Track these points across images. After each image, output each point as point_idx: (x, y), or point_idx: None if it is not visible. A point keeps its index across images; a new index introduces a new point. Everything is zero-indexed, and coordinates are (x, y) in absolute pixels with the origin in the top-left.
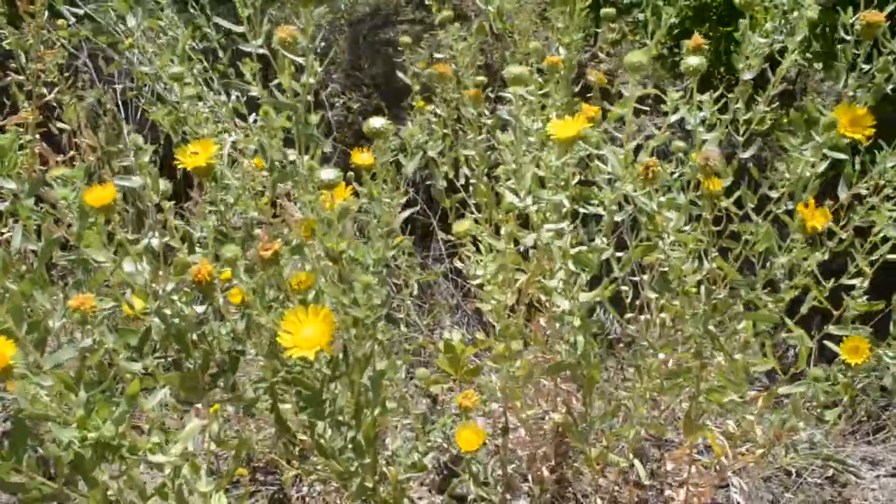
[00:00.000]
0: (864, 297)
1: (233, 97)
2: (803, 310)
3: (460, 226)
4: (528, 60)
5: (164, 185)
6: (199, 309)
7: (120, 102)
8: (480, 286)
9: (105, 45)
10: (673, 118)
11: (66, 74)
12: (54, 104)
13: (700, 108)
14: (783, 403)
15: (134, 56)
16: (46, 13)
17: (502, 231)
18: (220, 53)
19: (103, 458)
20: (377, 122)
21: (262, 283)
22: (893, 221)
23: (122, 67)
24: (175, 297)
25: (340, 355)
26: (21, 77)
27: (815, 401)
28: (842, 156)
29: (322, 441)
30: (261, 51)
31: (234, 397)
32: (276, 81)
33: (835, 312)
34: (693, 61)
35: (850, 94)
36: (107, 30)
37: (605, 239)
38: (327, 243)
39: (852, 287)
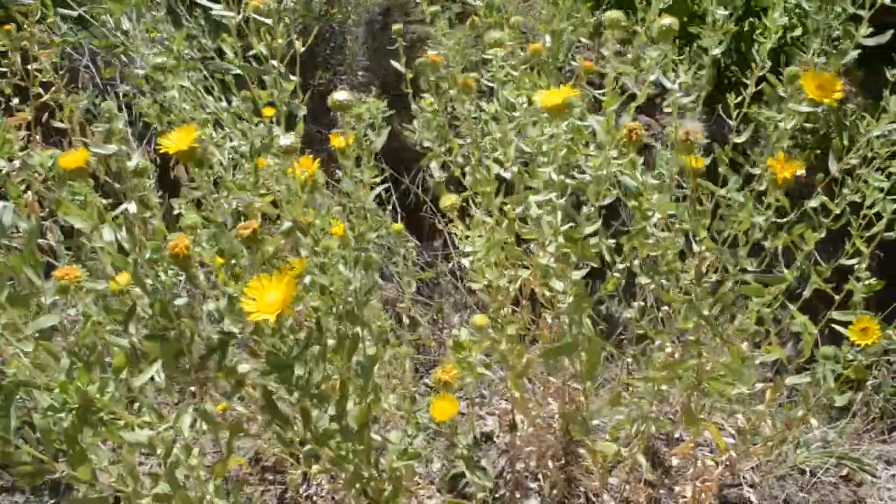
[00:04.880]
0: (872, 279)
1: (234, 102)
2: (806, 294)
3: (447, 199)
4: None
5: (143, 161)
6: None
7: (124, 105)
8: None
9: (99, 48)
10: (651, 77)
11: (62, 73)
12: (51, 104)
13: (675, 71)
14: (793, 397)
15: (136, 59)
16: (39, 13)
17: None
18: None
19: (85, 422)
20: (341, 95)
21: (230, 253)
22: (882, 192)
23: (117, 72)
24: (154, 266)
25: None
26: (8, 74)
27: (825, 385)
28: (808, 108)
29: (301, 414)
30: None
31: (225, 373)
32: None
33: (836, 297)
34: (666, 21)
35: (816, 61)
36: (100, 34)
37: (593, 208)
38: (293, 212)
39: (856, 271)
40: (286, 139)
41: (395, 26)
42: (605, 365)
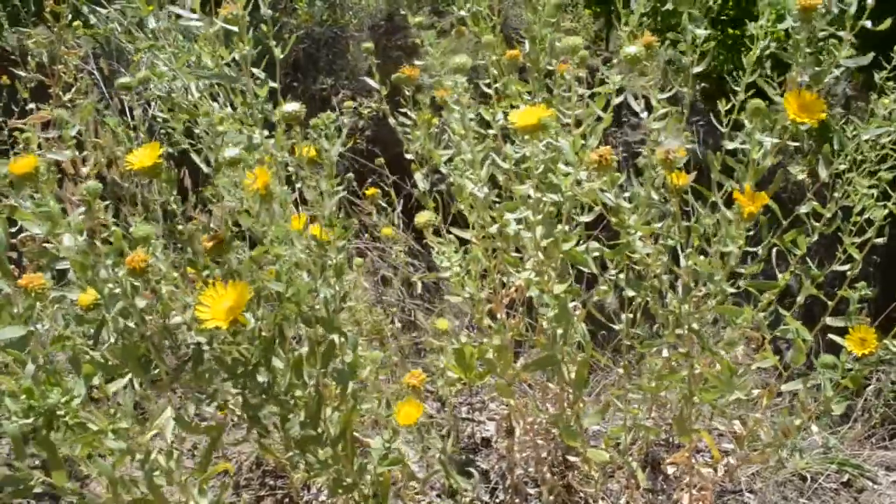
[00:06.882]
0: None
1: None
2: (799, 299)
3: (420, 217)
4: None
5: (95, 184)
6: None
7: (128, 108)
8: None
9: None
10: (617, 100)
11: (81, 75)
12: (68, 105)
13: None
14: (794, 402)
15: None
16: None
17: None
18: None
19: (51, 427)
20: (290, 106)
21: (188, 263)
22: (874, 198)
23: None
24: (112, 269)
25: (261, 330)
26: (29, 75)
27: (824, 394)
28: (771, 140)
29: (280, 420)
30: None
31: (198, 376)
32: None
33: (829, 303)
34: (631, 50)
35: (799, 80)
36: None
37: (564, 226)
38: (245, 222)
39: (855, 280)
40: (231, 151)
41: (365, 45)
42: (605, 369)
